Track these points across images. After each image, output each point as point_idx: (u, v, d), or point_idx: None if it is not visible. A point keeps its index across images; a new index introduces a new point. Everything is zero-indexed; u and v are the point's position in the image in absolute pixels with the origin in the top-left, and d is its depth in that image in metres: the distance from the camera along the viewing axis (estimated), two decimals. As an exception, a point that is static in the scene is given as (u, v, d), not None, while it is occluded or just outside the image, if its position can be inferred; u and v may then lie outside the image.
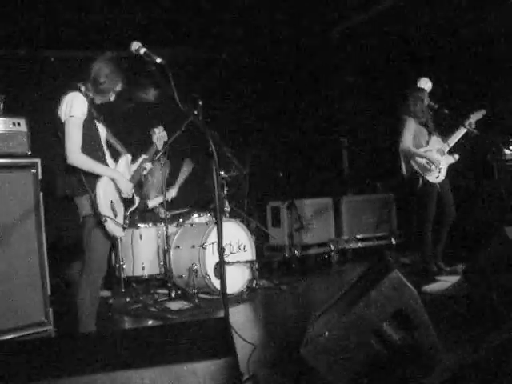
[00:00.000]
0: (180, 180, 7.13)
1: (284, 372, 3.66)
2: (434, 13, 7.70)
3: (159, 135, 4.86)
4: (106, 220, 3.95)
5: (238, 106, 9.14)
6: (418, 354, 2.97)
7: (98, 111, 4.15)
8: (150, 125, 4.72)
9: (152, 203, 6.88)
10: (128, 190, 4.21)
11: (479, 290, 4.51)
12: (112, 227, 4.01)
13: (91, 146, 3.99)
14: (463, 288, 4.95)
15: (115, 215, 4.08)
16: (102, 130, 4.17)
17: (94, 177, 3.96)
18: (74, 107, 3.88)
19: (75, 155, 3.87)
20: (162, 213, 6.60)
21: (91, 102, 4.06)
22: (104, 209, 3.95)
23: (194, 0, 7.42)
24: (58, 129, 3.96)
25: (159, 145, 4.86)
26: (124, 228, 4.20)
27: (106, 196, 4.00)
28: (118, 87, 4.18)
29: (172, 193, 7.02)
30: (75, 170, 3.90)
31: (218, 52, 9.03)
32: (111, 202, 4.06)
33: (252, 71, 9.26)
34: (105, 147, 4.20)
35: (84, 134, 3.93)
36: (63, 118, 3.89)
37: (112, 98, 4.21)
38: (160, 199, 6.70)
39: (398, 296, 2.98)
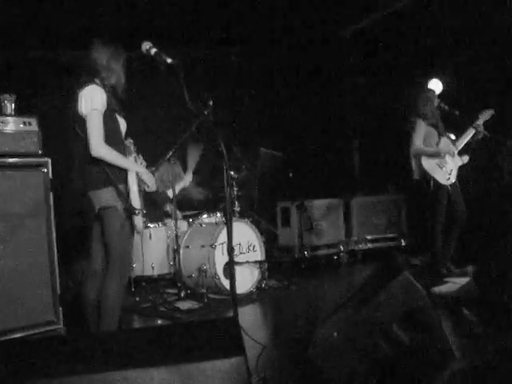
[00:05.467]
0: (191, 164, 7.11)
1: (293, 372, 3.66)
2: (444, 13, 7.68)
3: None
4: (139, 213, 3.92)
5: (248, 107, 9.14)
6: (428, 356, 2.96)
7: (119, 104, 4.08)
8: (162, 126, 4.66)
9: (170, 193, 6.80)
10: (152, 183, 4.15)
11: (489, 291, 4.50)
12: (139, 221, 3.99)
13: (112, 139, 3.90)
14: (473, 290, 4.94)
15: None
16: (123, 124, 4.09)
17: (121, 169, 3.89)
18: (94, 100, 3.81)
19: (101, 147, 3.79)
20: (173, 210, 6.55)
21: (109, 94, 3.98)
22: (136, 202, 3.90)
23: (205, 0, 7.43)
24: (76, 124, 3.90)
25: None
26: (145, 223, 4.13)
27: (136, 189, 3.95)
28: (123, 67, 4.08)
29: (188, 178, 7.03)
30: (98, 163, 3.83)
31: (229, 52, 9.03)
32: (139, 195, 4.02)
33: (262, 72, 9.26)
34: (125, 141, 4.14)
35: (105, 126, 3.85)
36: (85, 112, 3.82)
37: (122, 80, 4.10)
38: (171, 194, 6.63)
39: (408, 297, 2.98)
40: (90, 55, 3.99)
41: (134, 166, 4.02)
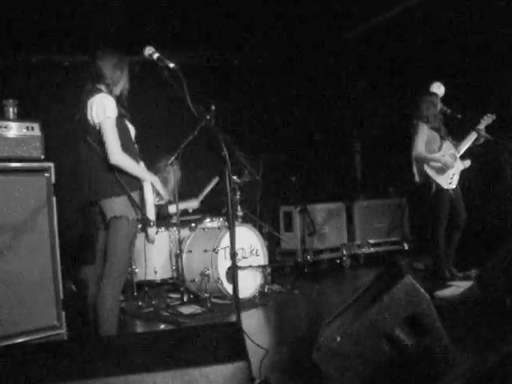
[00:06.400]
0: (204, 193, 7.14)
1: (296, 377, 3.66)
2: (448, 16, 7.68)
3: None
4: (153, 224, 3.91)
5: (251, 111, 9.14)
6: (431, 360, 2.96)
7: (126, 110, 4.07)
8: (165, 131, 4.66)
9: (171, 209, 6.81)
10: (165, 193, 4.14)
11: (492, 295, 4.49)
12: (152, 232, 3.97)
13: (124, 145, 3.89)
14: (476, 293, 4.93)
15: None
16: (132, 129, 4.09)
17: (134, 178, 3.89)
18: (106, 108, 3.80)
19: (119, 154, 3.79)
20: (175, 218, 6.55)
21: (117, 100, 3.97)
22: (151, 213, 3.91)
23: (206, 5, 7.44)
24: (87, 133, 3.88)
25: None
26: (156, 232, 4.08)
27: (151, 200, 3.94)
28: (127, 74, 4.10)
29: (194, 204, 7.04)
30: (111, 172, 3.82)
31: (232, 56, 9.04)
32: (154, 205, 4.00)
33: (265, 76, 9.26)
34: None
35: (117, 133, 3.85)
36: (97, 121, 3.81)
37: (127, 86, 4.12)
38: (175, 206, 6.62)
39: (411, 301, 2.98)
40: (95, 64, 3.99)
41: (149, 176, 4.02)
